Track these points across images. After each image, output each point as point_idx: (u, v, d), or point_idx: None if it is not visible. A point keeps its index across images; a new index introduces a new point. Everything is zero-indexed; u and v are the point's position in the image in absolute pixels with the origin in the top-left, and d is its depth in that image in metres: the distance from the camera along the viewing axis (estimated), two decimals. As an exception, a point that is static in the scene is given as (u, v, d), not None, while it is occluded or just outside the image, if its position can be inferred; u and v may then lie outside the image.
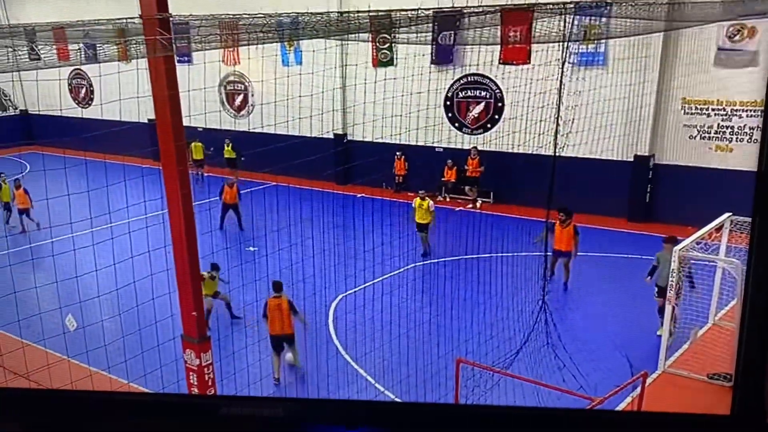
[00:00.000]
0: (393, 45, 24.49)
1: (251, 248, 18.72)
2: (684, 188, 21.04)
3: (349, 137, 27.49)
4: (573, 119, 16.39)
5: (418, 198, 19.32)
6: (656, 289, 14.25)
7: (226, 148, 28.53)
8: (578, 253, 16.34)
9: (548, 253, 14.49)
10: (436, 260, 18.44)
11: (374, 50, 25.34)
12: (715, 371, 12.35)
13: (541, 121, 14.70)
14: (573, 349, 12.82)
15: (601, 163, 22.26)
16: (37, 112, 37.98)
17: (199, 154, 28.63)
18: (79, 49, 11.82)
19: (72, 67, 34.26)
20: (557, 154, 11.97)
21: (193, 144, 27.78)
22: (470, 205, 24.38)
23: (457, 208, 24.24)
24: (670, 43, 20.68)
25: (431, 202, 19.34)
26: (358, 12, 10.97)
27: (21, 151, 34.84)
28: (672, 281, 12.54)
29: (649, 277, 14.42)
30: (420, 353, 13.33)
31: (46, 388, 10.66)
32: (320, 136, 25.13)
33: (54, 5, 34.29)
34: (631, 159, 22.04)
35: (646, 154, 21.71)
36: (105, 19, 9.81)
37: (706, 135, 20.78)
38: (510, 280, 15.70)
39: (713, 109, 20.55)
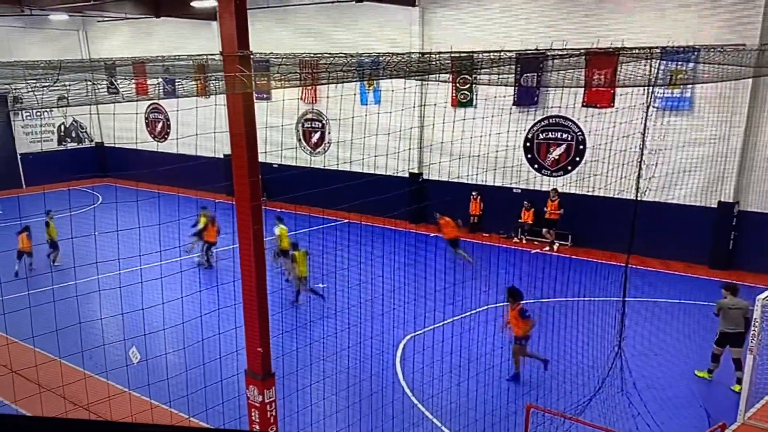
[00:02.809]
0: (473, 86, 24.42)
1: (321, 285, 18.69)
2: (770, 237, 20.29)
3: (425, 176, 27.37)
4: (656, 163, 15.92)
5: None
6: (717, 336, 14.00)
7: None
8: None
9: (626, 299, 14.01)
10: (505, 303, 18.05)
11: (454, 90, 25.33)
12: (800, 426, 11.79)
13: (623, 164, 14.36)
14: (648, 397, 12.45)
15: (683, 209, 21.67)
16: (112, 145, 39.06)
17: None
18: (158, 83, 12.08)
19: (149, 102, 35.11)
20: (639, 198, 11.65)
21: None
22: (547, 248, 23.89)
23: (533, 251, 23.78)
24: (759, 88, 20.08)
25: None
26: (439, 53, 10.88)
27: (94, 183, 35.75)
28: (753, 329, 12.04)
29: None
30: (489, 397, 13.05)
31: (105, 420, 10.73)
32: (395, 174, 25.17)
33: (133, 41, 35.41)
34: (715, 205, 21.40)
35: (731, 200, 21.05)
36: (185, 54, 9.97)
37: (795, 183, 20.02)
38: (585, 324, 15.28)
39: (803, 157, 19.81)
